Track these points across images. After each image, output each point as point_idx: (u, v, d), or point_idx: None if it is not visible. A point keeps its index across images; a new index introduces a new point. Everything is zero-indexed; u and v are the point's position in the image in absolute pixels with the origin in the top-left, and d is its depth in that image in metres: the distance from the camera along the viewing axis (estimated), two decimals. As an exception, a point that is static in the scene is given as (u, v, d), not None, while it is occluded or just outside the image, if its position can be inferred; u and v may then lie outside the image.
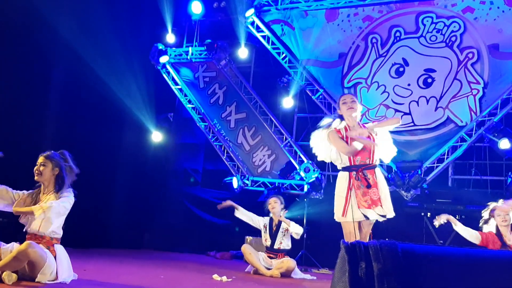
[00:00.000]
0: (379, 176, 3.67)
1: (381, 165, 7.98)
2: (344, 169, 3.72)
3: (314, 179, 8.32)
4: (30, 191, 3.71)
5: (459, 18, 8.02)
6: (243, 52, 9.37)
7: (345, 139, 3.73)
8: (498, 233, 4.79)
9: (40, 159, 3.65)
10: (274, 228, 5.87)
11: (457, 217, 6.88)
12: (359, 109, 3.86)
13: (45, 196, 3.60)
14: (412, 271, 0.83)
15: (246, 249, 5.75)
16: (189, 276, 4.92)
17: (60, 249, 3.53)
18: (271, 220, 5.99)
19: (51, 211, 3.40)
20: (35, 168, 3.63)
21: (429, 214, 7.03)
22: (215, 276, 4.58)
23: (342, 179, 3.71)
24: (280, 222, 5.88)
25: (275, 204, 5.95)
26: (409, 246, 0.87)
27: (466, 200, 7.07)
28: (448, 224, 7.00)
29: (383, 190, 3.64)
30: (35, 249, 3.23)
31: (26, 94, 7.25)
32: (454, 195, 7.24)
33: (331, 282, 0.95)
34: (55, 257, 3.45)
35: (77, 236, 5.27)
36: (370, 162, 3.66)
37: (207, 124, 9.43)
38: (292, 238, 5.97)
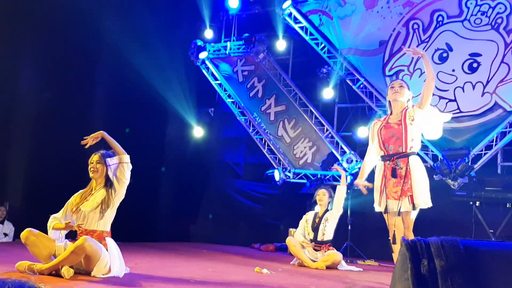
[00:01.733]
0: (414, 165, 3.55)
1: (426, 153, 7.82)
2: (380, 158, 3.69)
3: (357, 169, 8.22)
4: (81, 190, 3.85)
5: (505, -1, 7.69)
6: (281, 44, 9.34)
7: (379, 128, 3.72)
8: None
9: (96, 157, 3.75)
10: (317, 221, 5.85)
11: (507, 205, 6.69)
12: (407, 95, 3.75)
13: (97, 191, 3.73)
14: (475, 268, 0.82)
15: (291, 241, 5.77)
16: (235, 269, 4.99)
17: (111, 242, 3.65)
18: (316, 214, 5.95)
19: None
20: (91, 166, 3.75)
21: (478, 203, 6.83)
22: (257, 269, 4.63)
23: (377, 169, 3.70)
24: (323, 215, 5.85)
25: (323, 196, 5.92)
26: (471, 242, 0.86)
27: (518, 188, 6.82)
28: (499, 213, 6.80)
29: (418, 179, 3.53)
30: (91, 243, 3.35)
31: (71, 93, 7.53)
32: (504, 182, 6.99)
33: (391, 279, 0.95)
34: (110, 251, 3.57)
35: (125, 230, 5.43)
36: (404, 150, 3.57)
37: (247, 117, 9.48)
38: (336, 230, 5.93)
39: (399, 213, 3.53)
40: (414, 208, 3.51)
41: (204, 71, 9.96)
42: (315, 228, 5.85)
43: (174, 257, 5.76)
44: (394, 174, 3.53)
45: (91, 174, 3.76)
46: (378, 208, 3.70)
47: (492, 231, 6.70)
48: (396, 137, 3.61)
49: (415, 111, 3.68)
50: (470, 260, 0.82)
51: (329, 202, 5.92)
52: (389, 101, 3.83)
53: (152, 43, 8.31)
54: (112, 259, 3.53)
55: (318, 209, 6.05)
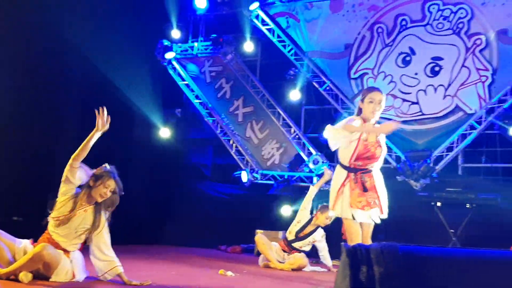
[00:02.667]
0: (377, 178, 3.62)
1: (390, 155, 7.96)
2: (343, 166, 3.66)
3: (323, 170, 8.30)
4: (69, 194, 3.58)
5: (466, 4, 7.92)
6: (249, 46, 9.35)
7: (359, 140, 3.63)
8: None
9: (113, 185, 3.59)
10: (305, 232, 5.77)
11: (467, 206, 6.87)
12: (381, 110, 3.63)
13: (87, 205, 3.59)
14: (413, 274, 0.84)
15: (260, 239, 5.71)
16: (199, 272, 4.96)
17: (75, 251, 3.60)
18: (309, 221, 5.83)
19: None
20: (105, 191, 3.55)
21: (439, 203, 6.99)
22: (221, 271, 4.61)
23: (339, 175, 3.65)
24: (314, 231, 5.76)
25: (325, 220, 5.70)
26: (410, 248, 0.87)
27: (478, 188, 7.02)
28: (459, 213, 6.98)
29: (382, 192, 3.61)
30: (50, 251, 3.31)
31: (35, 96, 7.31)
32: (465, 183, 7.19)
33: (334, 285, 0.96)
34: (73, 259, 3.53)
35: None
36: (371, 169, 3.62)
37: (215, 118, 9.45)
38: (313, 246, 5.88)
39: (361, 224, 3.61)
40: (377, 219, 3.60)
41: (170, 72, 9.87)
42: (299, 237, 5.78)
43: (140, 261, 5.67)
44: (365, 188, 3.54)
45: (99, 199, 3.58)
46: (332, 212, 3.73)
47: (452, 231, 6.87)
48: (369, 159, 3.61)
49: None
50: (409, 266, 0.83)
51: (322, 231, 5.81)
52: (360, 108, 3.67)
53: (117, 43, 8.17)
54: (75, 265, 3.50)
55: (313, 221, 5.79)
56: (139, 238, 8.52)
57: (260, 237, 5.78)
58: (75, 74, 7.94)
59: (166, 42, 9.76)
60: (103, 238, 3.60)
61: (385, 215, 3.62)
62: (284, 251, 5.71)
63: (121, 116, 8.54)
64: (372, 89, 3.75)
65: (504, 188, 7.08)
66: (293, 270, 5.48)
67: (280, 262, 5.59)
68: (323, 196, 7.71)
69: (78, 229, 3.52)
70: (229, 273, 4.59)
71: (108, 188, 3.56)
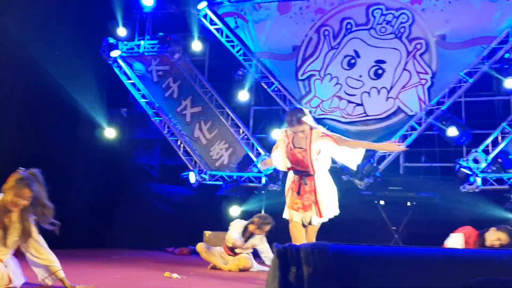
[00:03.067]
0: (320, 182, 3.67)
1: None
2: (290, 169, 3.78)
3: (272, 171, 8.37)
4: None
5: (407, 10, 8.23)
6: (197, 45, 9.27)
7: (286, 148, 3.75)
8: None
9: (28, 193, 3.28)
10: (244, 239, 5.71)
11: (408, 204, 7.13)
12: (308, 124, 3.68)
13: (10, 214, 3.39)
14: (343, 273, 0.85)
15: (201, 247, 5.68)
16: (144, 275, 4.86)
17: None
18: (246, 228, 5.67)
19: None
20: (17, 201, 3.28)
21: (382, 202, 7.21)
22: (167, 274, 4.54)
23: (289, 178, 3.81)
24: (252, 235, 5.69)
25: (262, 230, 5.57)
26: (341, 247, 0.88)
27: (417, 187, 7.31)
28: (400, 211, 7.23)
29: (323, 195, 3.65)
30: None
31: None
32: (405, 182, 7.47)
33: (265, 286, 0.96)
34: (7, 264, 3.38)
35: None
36: (311, 172, 3.68)
37: (162, 118, 9.30)
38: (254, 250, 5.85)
39: (303, 225, 3.66)
40: (310, 222, 3.65)
41: (116, 70, 9.62)
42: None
43: (84, 265, 5.49)
44: (299, 190, 3.61)
45: (14, 208, 3.32)
46: (285, 214, 3.79)
47: (394, 228, 7.11)
48: (300, 165, 3.68)
49: (325, 143, 3.66)
50: (339, 265, 0.85)
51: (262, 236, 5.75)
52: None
53: (61, 41, 7.88)
54: (10, 270, 3.34)
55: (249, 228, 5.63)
56: (84, 242, 8.25)
57: (201, 245, 5.71)
58: (17, 72, 7.58)
59: (111, 40, 9.51)
60: (36, 244, 3.45)
61: (325, 219, 3.67)
62: (229, 255, 5.69)
63: (65, 116, 8.29)
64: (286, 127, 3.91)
65: (442, 186, 7.42)
66: (240, 270, 5.47)
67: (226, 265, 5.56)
68: (271, 196, 7.79)
69: (7, 238, 3.36)
70: (175, 275, 4.52)
71: (22, 198, 3.29)
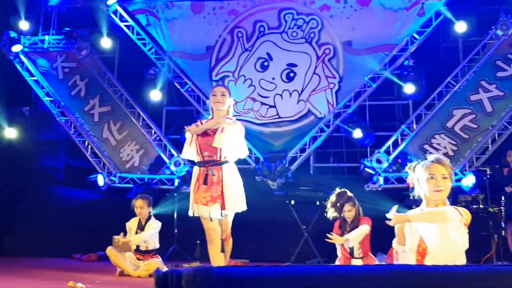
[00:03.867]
0: (227, 173, 3.68)
1: (250, 156, 8.22)
2: (196, 164, 3.75)
3: (185, 172, 8.28)
4: None
5: (317, 16, 8.52)
6: (106, 42, 8.90)
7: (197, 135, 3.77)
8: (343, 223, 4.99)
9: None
10: (139, 231, 5.62)
11: (318, 203, 7.38)
12: (227, 102, 3.84)
13: None
14: (228, 296, 0.84)
15: (111, 251, 5.49)
16: (46, 284, 4.57)
17: None
18: (139, 222, 5.72)
19: None
20: None
21: (293, 201, 7.40)
22: (71, 283, 4.31)
23: (193, 174, 3.75)
24: (146, 222, 5.62)
25: (141, 210, 5.64)
26: (225, 270, 0.87)
27: (326, 187, 7.58)
28: (310, 210, 7.47)
29: (229, 187, 3.64)
30: None
31: None
32: (315, 182, 7.73)
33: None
34: None
35: None
36: (218, 159, 3.68)
37: (68, 118, 8.83)
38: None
39: (211, 219, 3.61)
40: (221, 214, 3.62)
41: (18, 66, 8.97)
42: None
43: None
44: (205, 181, 3.60)
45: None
46: (190, 212, 3.74)
47: (304, 227, 7.32)
48: (211, 145, 3.67)
49: (235, 125, 3.74)
50: (222, 288, 0.84)
51: (149, 211, 5.71)
52: (211, 107, 3.91)
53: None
54: None
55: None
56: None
57: (111, 249, 5.53)
58: None
59: (12, 34, 8.88)
60: None
61: (228, 212, 3.65)
62: (139, 259, 5.54)
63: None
64: (215, 85, 4.21)
65: (348, 185, 7.74)
66: (150, 276, 5.34)
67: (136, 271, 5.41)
68: (183, 198, 7.68)
69: None
70: (79, 285, 4.30)
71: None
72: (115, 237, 7.27)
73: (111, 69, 9.08)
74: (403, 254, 2.78)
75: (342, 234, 4.87)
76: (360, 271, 1.05)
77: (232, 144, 3.67)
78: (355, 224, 4.88)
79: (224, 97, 3.83)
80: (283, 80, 8.45)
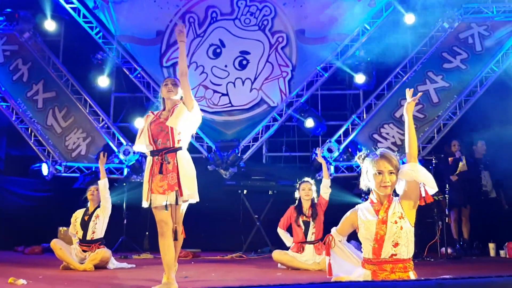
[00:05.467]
0: (181, 159, 3.62)
1: (201, 145, 8.11)
2: (149, 154, 3.65)
3: (134, 161, 8.07)
4: None
5: (270, 3, 8.45)
6: (50, 25, 8.48)
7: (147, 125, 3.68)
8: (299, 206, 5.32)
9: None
10: (87, 218, 5.46)
11: (269, 193, 7.39)
12: (179, 93, 3.79)
13: None
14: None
15: (56, 244, 5.26)
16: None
17: None
18: (85, 211, 5.53)
19: None
20: None
21: (245, 191, 7.37)
22: (11, 280, 4.08)
23: (147, 164, 3.66)
24: (93, 211, 5.47)
25: (95, 193, 5.49)
26: None
27: (278, 176, 7.61)
28: (262, 200, 7.47)
29: (185, 174, 3.59)
30: None
31: None
32: (267, 171, 7.74)
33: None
34: None
35: None
36: (171, 145, 3.61)
37: (9, 104, 8.37)
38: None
39: (166, 208, 3.52)
40: (177, 202, 3.55)
41: (-49, 48, 8.39)
42: (84, 226, 5.45)
43: None
44: (161, 169, 3.51)
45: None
46: (145, 203, 3.63)
47: (257, 216, 7.33)
48: (164, 132, 3.60)
49: (183, 109, 3.69)
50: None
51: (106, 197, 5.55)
52: (163, 98, 3.81)
53: None
54: None
55: (89, 205, 5.64)
56: None
57: (56, 241, 5.30)
58: None
59: None
60: None
61: (185, 198, 3.58)
62: (85, 250, 5.35)
63: None
64: (166, 77, 4.01)
65: (300, 175, 7.79)
66: (97, 267, 5.16)
67: (82, 263, 5.21)
68: (133, 188, 7.50)
69: None
70: (21, 281, 4.08)
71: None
72: (61, 228, 7.04)
73: (56, 53, 8.67)
74: (339, 244, 2.88)
75: (298, 216, 5.34)
76: None
77: (185, 118, 3.63)
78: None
79: (176, 86, 3.79)
80: (235, 68, 8.35)
